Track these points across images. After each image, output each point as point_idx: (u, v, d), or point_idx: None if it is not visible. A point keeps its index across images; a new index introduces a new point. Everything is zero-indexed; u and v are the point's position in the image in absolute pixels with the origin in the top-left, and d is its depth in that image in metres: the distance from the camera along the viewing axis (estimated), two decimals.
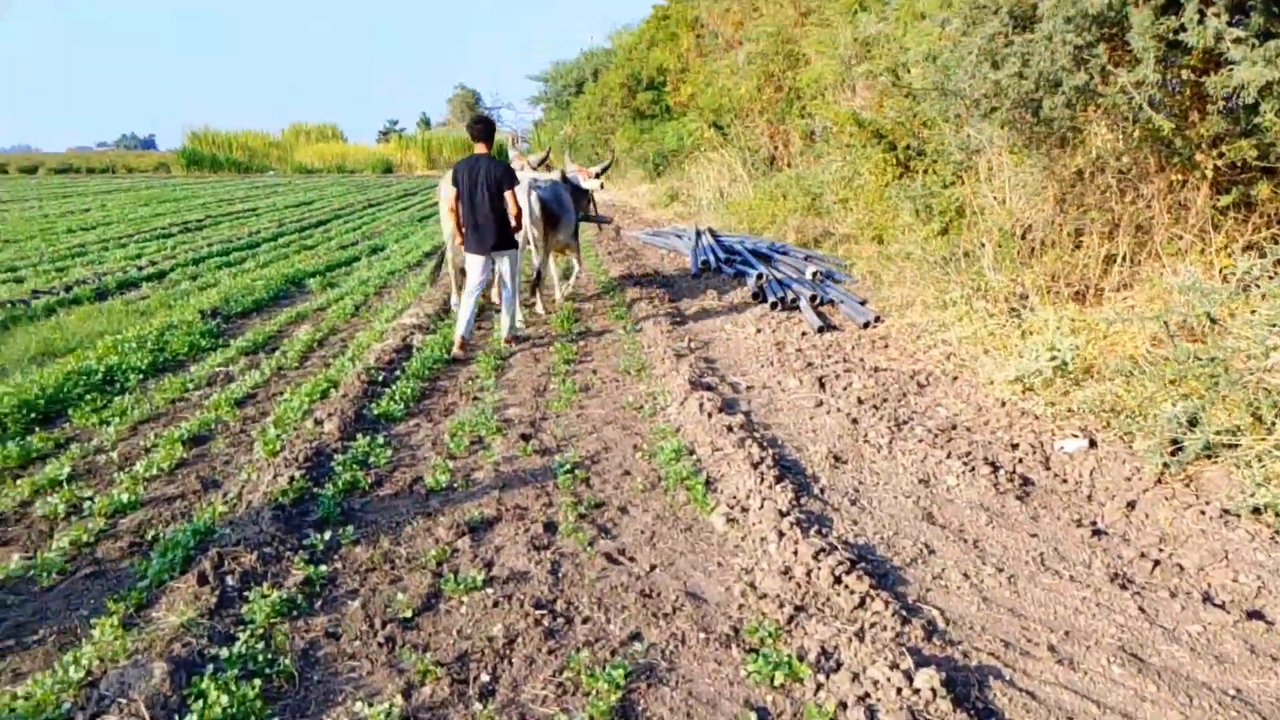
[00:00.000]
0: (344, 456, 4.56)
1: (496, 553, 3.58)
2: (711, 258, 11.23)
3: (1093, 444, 4.42)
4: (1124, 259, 6.74)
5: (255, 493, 4.07)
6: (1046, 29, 5.23)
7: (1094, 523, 3.70)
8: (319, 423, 5.06)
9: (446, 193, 7.08)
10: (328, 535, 3.68)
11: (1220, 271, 5.74)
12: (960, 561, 3.38)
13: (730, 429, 4.79)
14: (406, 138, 60.32)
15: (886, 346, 6.85)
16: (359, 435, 4.91)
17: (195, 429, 5.15)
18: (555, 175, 8.58)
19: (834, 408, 5.33)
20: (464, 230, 6.90)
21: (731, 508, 3.84)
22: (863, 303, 8.27)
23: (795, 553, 3.31)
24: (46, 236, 15.57)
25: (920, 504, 3.93)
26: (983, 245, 7.50)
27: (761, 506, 3.77)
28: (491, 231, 6.80)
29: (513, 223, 6.85)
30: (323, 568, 3.40)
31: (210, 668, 2.73)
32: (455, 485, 4.29)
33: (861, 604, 2.98)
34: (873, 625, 2.88)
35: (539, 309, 8.64)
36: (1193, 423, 4.03)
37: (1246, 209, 6.18)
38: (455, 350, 6.96)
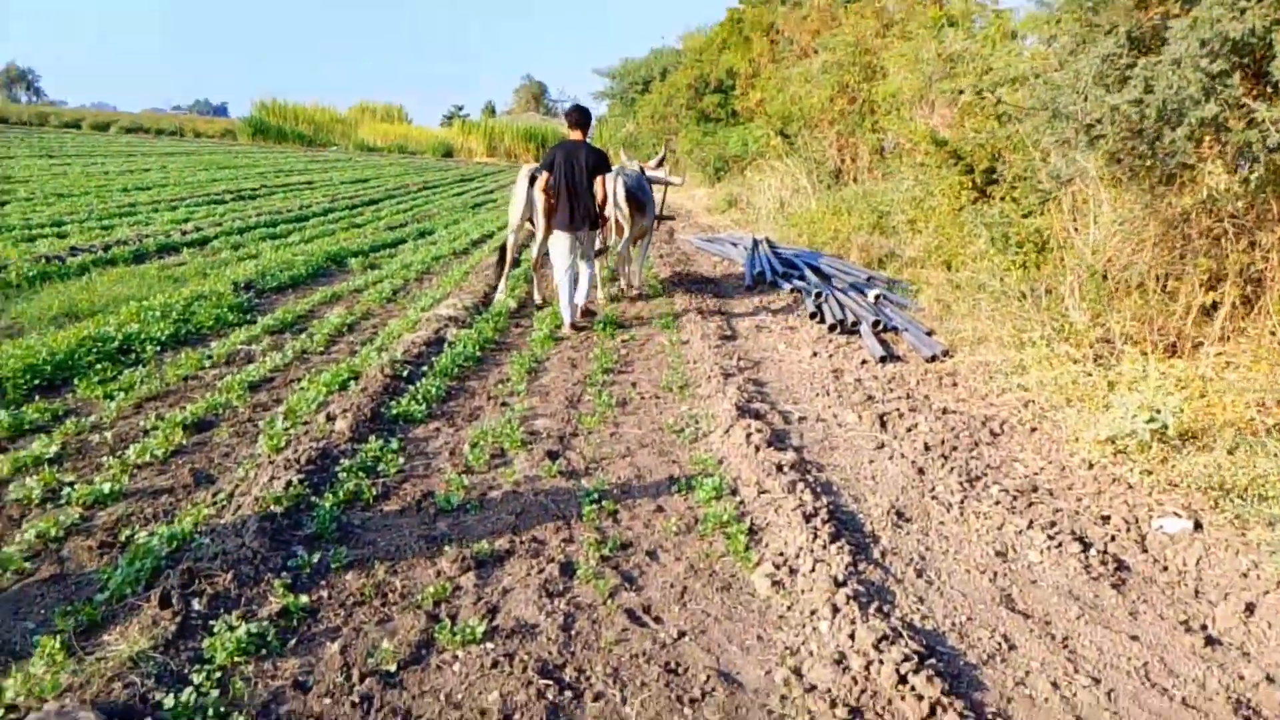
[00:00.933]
0: (351, 461, 4.13)
1: (503, 596, 3.11)
2: (768, 269, 10.69)
3: (1198, 526, 3.82)
4: (1229, 312, 6.08)
5: (247, 495, 3.65)
6: (1176, 52, 4.61)
7: (1204, 627, 3.11)
8: (331, 419, 4.64)
9: (522, 187, 7.63)
10: (317, 556, 3.25)
11: None
12: (1047, 664, 2.83)
13: (780, 468, 4.27)
14: (470, 123, 60.46)
15: (955, 385, 6.26)
16: (372, 437, 4.48)
17: (201, 412, 4.78)
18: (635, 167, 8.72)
19: (897, 452, 4.77)
20: (556, 208, 7.22)
21: (778, 567, 3.32)
22: (929, 333, 7.67)
23: (852, 636, 2.78)
24: (101, 194, 15.56)
25: (998, 583, 3.37)
26: (1069, 284, 6.86)
27: (813, 570, 3.25)
28: (582, 210, 7.21)
29: (598, 209, 7.33)
30: (304, 597, 2.96)
31: None
32: (468, 506, 3.84)
33: (932, 714, 2.45)
34: None
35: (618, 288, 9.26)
36: None
37: None
38: (566, 330, 7.46)
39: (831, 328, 7.98)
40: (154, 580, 3.00)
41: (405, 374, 5.66)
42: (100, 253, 9.32)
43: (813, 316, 8.48)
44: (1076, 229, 7.83)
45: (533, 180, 7.47)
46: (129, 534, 3.39)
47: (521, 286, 9.34)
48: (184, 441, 4.40)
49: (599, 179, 7.18)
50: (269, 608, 2.90)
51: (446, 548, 3.39)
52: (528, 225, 8.01)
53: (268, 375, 5.66)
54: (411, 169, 34.33)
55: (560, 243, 7.29)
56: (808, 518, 3.64)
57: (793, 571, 3.30)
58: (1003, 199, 9.77)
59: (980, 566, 3.50)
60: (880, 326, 7.94)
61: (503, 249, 8.69)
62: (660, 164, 9.01)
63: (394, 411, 4.93)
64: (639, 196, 8.31)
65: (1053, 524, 3.85)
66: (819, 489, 4.15)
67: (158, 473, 4.03)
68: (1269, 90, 4.76)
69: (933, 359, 6.97)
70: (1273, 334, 5.72)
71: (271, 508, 3.51)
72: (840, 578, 3.16)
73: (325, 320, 7.17)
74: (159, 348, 6.11)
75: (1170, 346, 6.24)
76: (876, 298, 9.07)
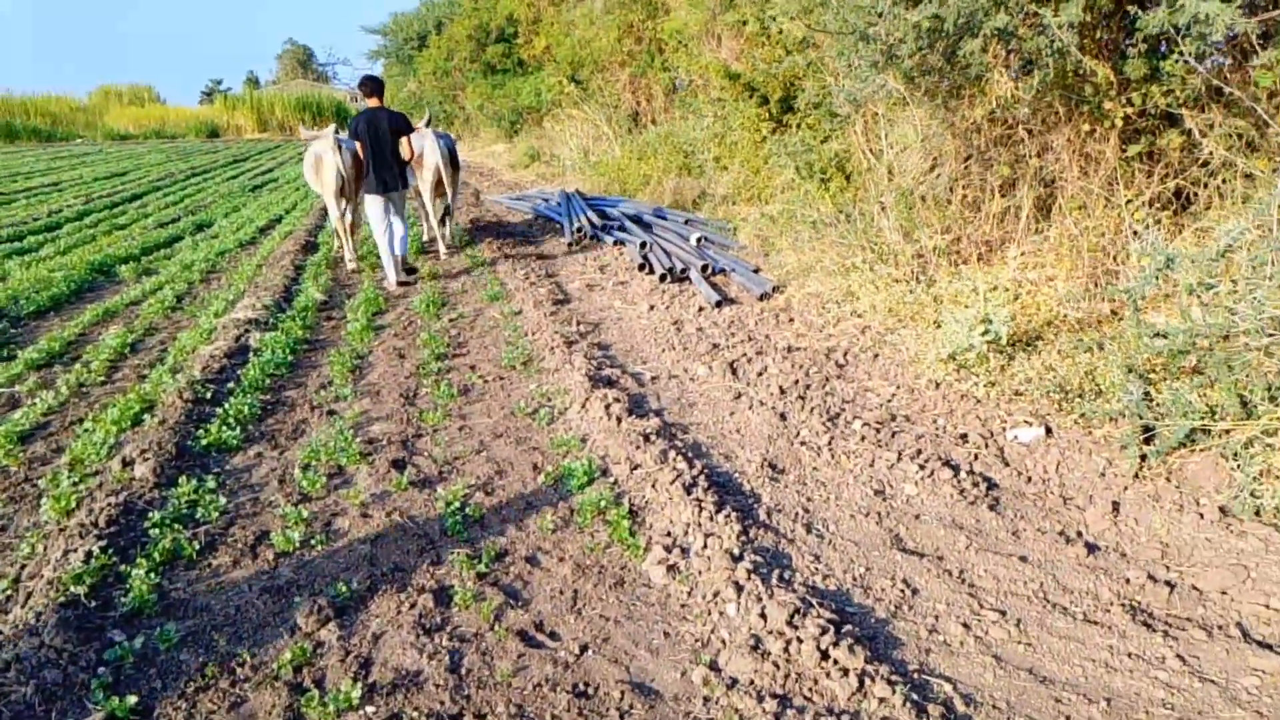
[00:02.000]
0: (161, 512, 3.53)
1: (375, 644, 2.73)
2: (586, 224, 10.41)
3: (1049, 431, 3.98)
4: (1028, 215, 6.45)
5: (38, 579, 3.03)
6: None
7: (1080, 534, 3.22)
8: (128, 464, 3.98)
9: (331, 160, 7.87)
10: (140, 640, 2.72)
11: (1131, 226, 5.49)
12: (953, 605, 2.81)
13: (647, 438, 4.07)
14: (233, 98, 55.65)
15: (792, 321, 6.30)
16: (182, 478, 3.87)
17: None
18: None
19: (754, 399, 4.70)
20: (366, 173, 7.71)
21: (668, 550, 3.13)
22: (756, 270, 7.71)
23: (763, 615, 2.64)
24: None
25: (884, 524, 3.35)
26: (880, 206, 7.05)
27: (705, 546, 3.09)
28: (392, 173, 7.73)
29: (404, 170, 7.93)
30: (131, 697, 2.45)
31: None
32: (313, 542, 3.38)
33: (860, 687, 2.35)
34: None
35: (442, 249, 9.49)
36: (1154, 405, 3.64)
37: (1150, 160, 5.94)
38: (390, 286, 7.99)
39: (662, 277, 7.86)
40: None
41: (209, 394, 4.98)
42: None
43: (641, 268, 8.33)
44: (871, 150, 8.07)
45: (341, 149, 7.87)
46: None
47: (326, 274, 8.59)
48: None
49: (403, 140, 7.69)
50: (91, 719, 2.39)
51: (296, 598, 2.95)
52: (339, 187, 8.04)
53: (40, 420, 4.81)
54: (175, 154, 31.13)
55: (375, 205, 7.77)
56: (688, 489, 3.47)
57: (684, 552, 3.12)
58: (798, 127, 9.97)
59: (863, 509, 3.47)
60: (709, 270, 7.90)
61: (334, 221, 8.73)
62: (429, 124, 8.85)
63: (204, 442, 4.30)
64: (455, 155, 8.89)
65: (919, 452, 3.89)
66: (690, 454, 3.99)
67: None
68: None
69: (764, 297, 7.00)
70: (1070, 234, 6.11)
71: (72, 589, 2.91)
72: (735, 551, 3.01)
73: (101, 344, 6.22)
74: None
75: (979, 256, 6.57)
76: (699, 240, 9.03)
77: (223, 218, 13.37)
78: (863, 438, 4.09)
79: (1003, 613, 2.74)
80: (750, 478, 3.79)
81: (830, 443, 4.06)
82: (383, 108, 7.72)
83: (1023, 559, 3.05)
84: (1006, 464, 3.81)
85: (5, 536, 3.51)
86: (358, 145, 7.64)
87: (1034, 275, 6.10)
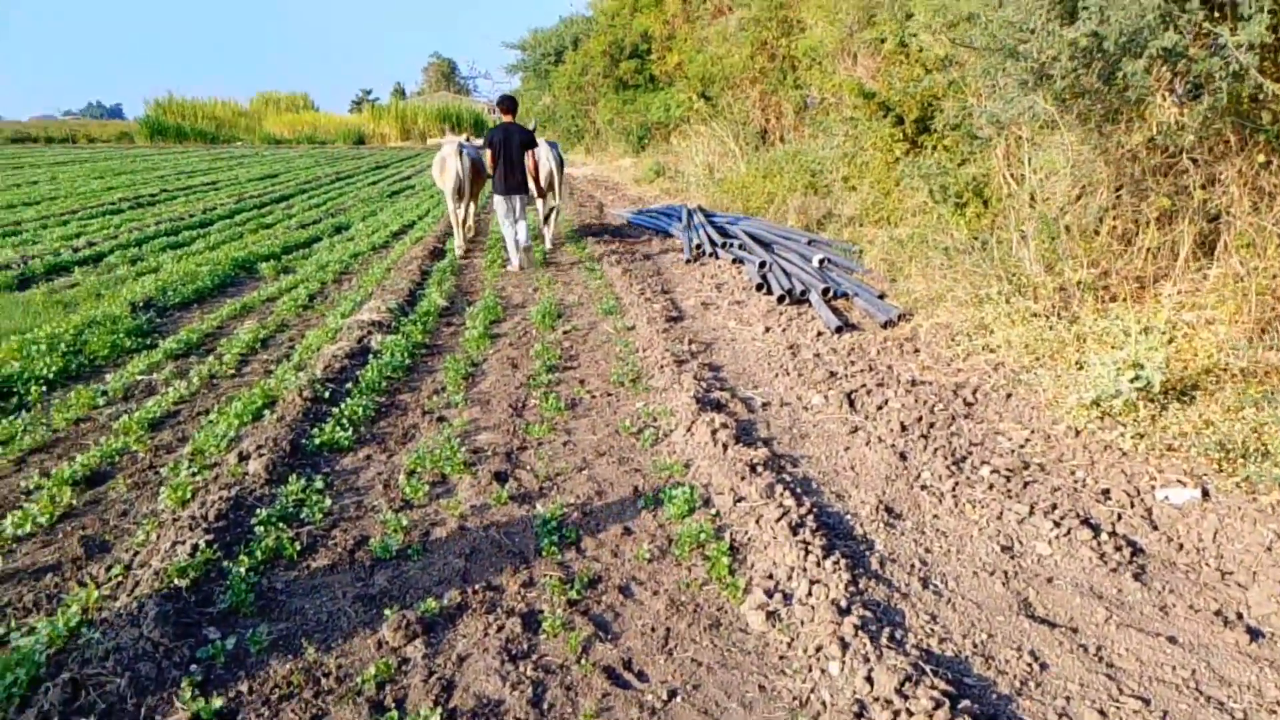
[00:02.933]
0: (269, 509, 3.60)
1: (459, 666, 2.65)
2: (706, 241, 10.28)
3: (1205, 494, 3.56)
4: (1190, 251, 5.90)
5: (147, 567, 3.11)
6: None
7: (1241, 616, 2.83)
8: (244, 458, 4.09)
9: (453, 163, 9.56)
10: (232, 641, 2.74)
11: None
12: (1088, 686, 2.50)
13: (753, 468, 3.88)
14: (380, 108, 58.61)
15: (917, 352, 5.96)
16: (292, 476, 3.94)
17: (95, 463, 4.17)
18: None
19: (872, 435, 4.43)
20: (496, 177, 9.04)
21: (769, 594, 2.94)
22: (881, 296, 7.37)
23: (870, 680, 2.41)
24: None
25: (1011, 586, 3.04)
26: (1021, 234, 6.61)
27: (810, 593, 2.87)
28: (516, 179, 9.06)
29: (529, 178, 9.33)
30: (218, 699, 2.46)
31: None
32: (409, 551, 3.35)
33: None
34: None
35: (548, 243, 10.73)
36: None
37: None
38: (515, 266, 9.46)
39: (780, 298, 7.63)
40: (31, 697, 2.46)
41: (327, 394, 5.10)
42: None
43: (759, 288, 8.12)
44: (1013, 176, 7.61)
45: (462, 152, 9.56)
46: (3, 633, 2.83)
47: (450, 280, 8.78)
48: (73, 502, 3.81)
49: (529, 153, 9.19)
50: (175, 718, 2.40)
51: (387, 610, 2.91)
52: (460, 186, 9.75)
53: (171, 409, 5.04)
54: (323, 159, 32.96)
55: (501, 205, 9.16)
56: (794, 528, 3.26)
57: (787, 598, 2.91)
58: (934, 149, 9.54)
59: (988, 566, 3.17)
60: (830, 294, 7.62)
61: (453, 217, 10.28)
62: (534, 130, 9.80)
63: (317, 441, 4.39)
64: (562, 161, 10.29)
65: (1054, 506, 3.55)
66: (798, 489, 3.78)
67: (41, 545, 3.45)
68: (1228, 16, 4.49)
69: (888, 324, 6.67)
70: (1236, 274, 5.54)
71: (175, 582, 2.98)
72: (842, 602, 2.79)
73: (235, 337, 6.52)
74: (46, 386, 5.42)
75: (1128, 294, 6.05)
76: (821, 262, 8.75)
77: (360, 221, 13.94)
78: (991, 486, 3.77)
79: (1145, 701, 2.42)
80: (863, 521, 3.54)
81: (954, 489, 3.76)
82: (515, 123, 9.09)
83: (1171, 640, 2.70)
84: (1155, 528, 3.42)
85: (126, 522, 3.64)
86: (481, 153, 9.18)
87: (1191, 317, 5.56)
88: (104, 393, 5.30)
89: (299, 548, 3.36)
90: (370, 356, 5.91)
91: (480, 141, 10.02)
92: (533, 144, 9.14)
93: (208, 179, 21.98)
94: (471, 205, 10.48)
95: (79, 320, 6.71)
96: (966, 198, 8.17)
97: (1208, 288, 5.68)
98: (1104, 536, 3.29)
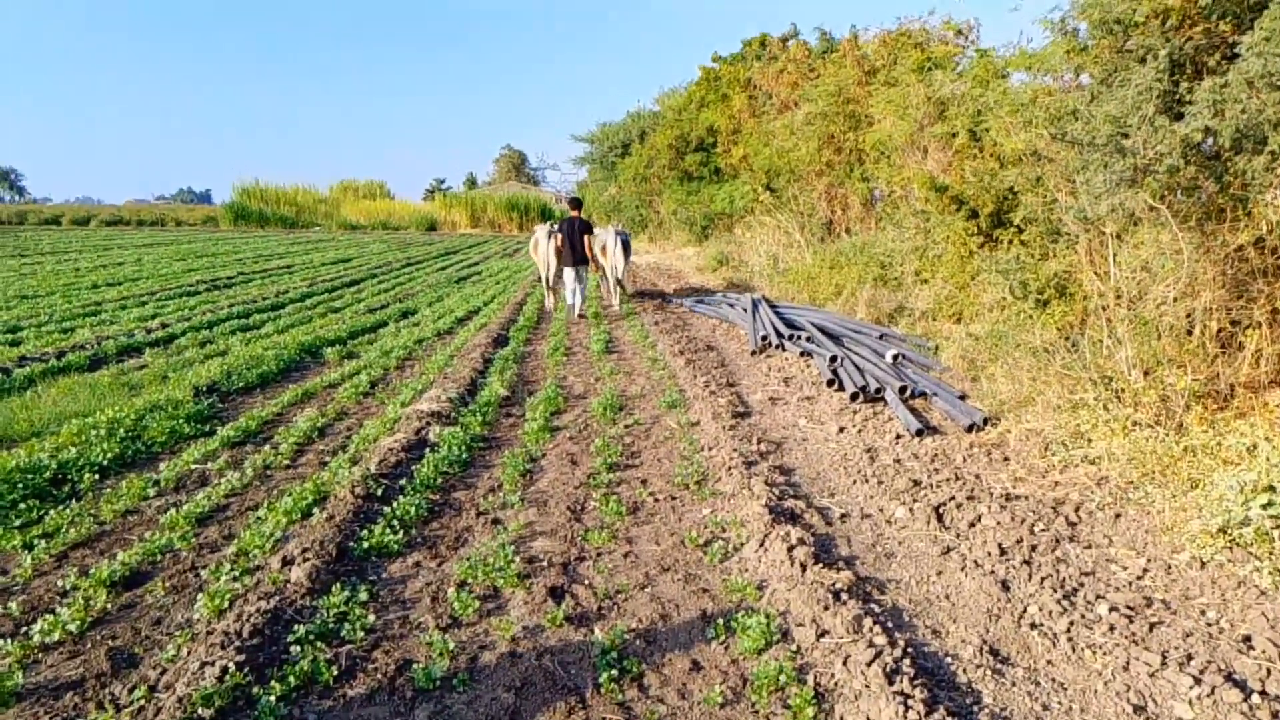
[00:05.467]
0: (308, 625, 3.32)
1: None
2: (772, 332, 10.00)
3: None
4: None
5: (171, 693, 2.85)
6: (1249, 69, 3.99)
7: None
8: (288, 563, 3.85)
9: (544, 244, 12.81)
10: None
11: None
12: None
13: (837, 595, 3.49)
14: (452, 195, 60.62)
15: (1007, 460, 5.51)
16: (336, 585, 3.68)
17: (135, 561, 3.99)
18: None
19: (968, 559, 4.00)
20: (563, 254, 12.64)
21: None
22: (962, 397, 6.95)
23: None
24: (67, 293, 14.87)
25: None
26: (1114, 337, 6.17)
27: None
28: (578, 255, 12.61)
29: (587, 255, 12.73)
30: None
31: None
32: (455, 681, 3.03)
33: None
34: None
35: (616, 306, 13.83)
36: None
37: None
38: (575, 316, 12.73)
39: (854, 396, 7.26)
40: None
41: (380, 491, 4.88)
42: (53, 360, 8.56)
43: (830, 384, 7.77)
44: (1098, 274, 7.20)
45: (550, 236, 12.77)
46: None
47: (512, 369, 8.63)
48: (107, 606, 3.60)
49: (587, 238, 12.66)
50: None
51: None
52: (550, 264, 12.89)
53: (221, 502, 4.87)
54: (394, 245, 33.93)
55: (569, 273, 12.71)
56: (889, 675, 2.85)
57: None
58: (1009, 243, 9.19)
59: None
60: (908, 392, 7.22)
61: (544, 282, 13.62)
62: (589, 224, 13.01)
63: (365, 545, 4.13)
64: (628, 245, 13.59)
65: (1189, 656, 3.07)
66: (889, 622, 3.37)
67: (68, 655, 3.23)
68: None
69: (972, 428, 6.24)
70: None
71: (199, 711, 2.70)
72: None
73: (293, 426, 6.40)
74: (99, 474, 5.33)
75: (1238, 406, 5.54)
76: (895, 358, 8.38)
77: (426, 307, 14.06)
78: (1111, 627, 3.30)
79: None
80: (966, 665, 3.11)
81: (1069, 628, 3.30)
82: (579, 217, 12.83)
83: None
84: None
85: (158, 632, 3.41)
86: (558, 236, 12.58)
87: None
88: (156, 482, 5.17)
89: (336, 671, 3.06)
90: (427, 450, 5.71)
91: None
92: (589, 230, 12.75)
93: (284, 262, 22.67)
94: (557, 274, 13.27)
95: (142, 404, 6.68)
96: (1048, 295, 7.79)
97: None
98: (1255, 699, 2.80)
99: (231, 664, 2.92)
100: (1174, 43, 5.01)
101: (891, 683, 2.80)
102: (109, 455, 5.55)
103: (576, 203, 13.19)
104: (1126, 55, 5.50)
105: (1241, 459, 4.42)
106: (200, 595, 3.59)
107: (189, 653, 3.13)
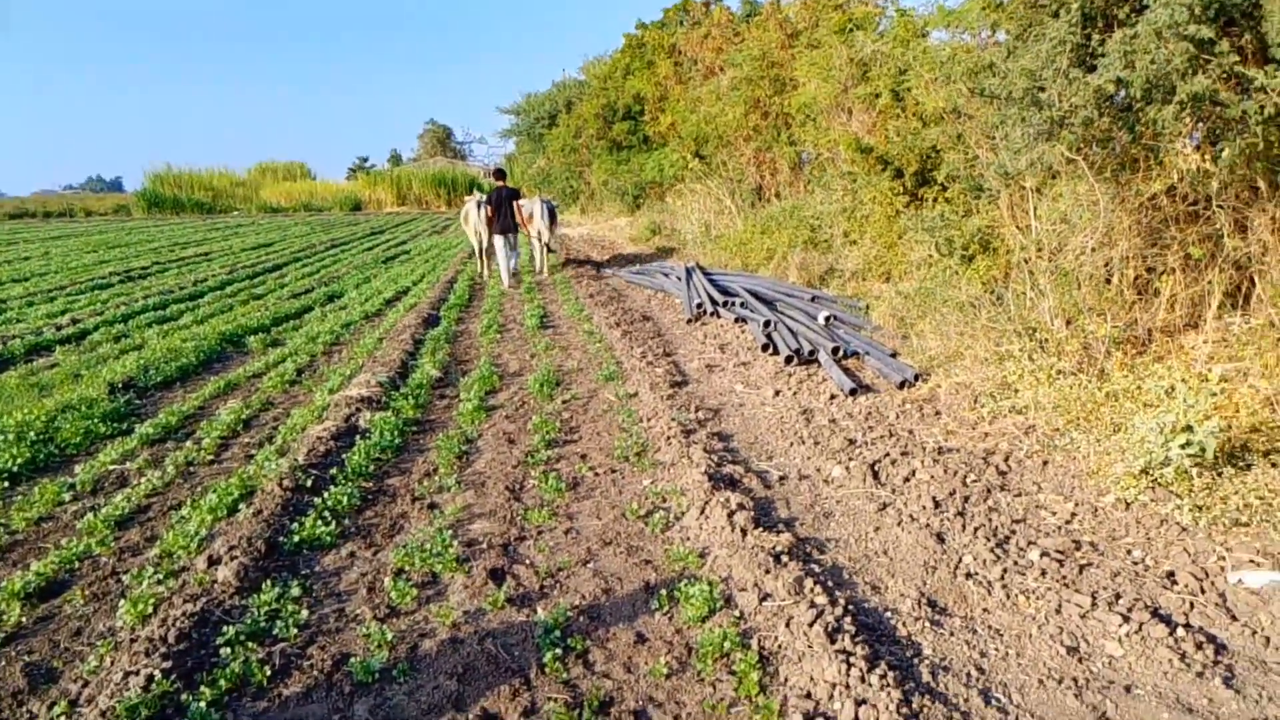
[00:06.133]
0: (238, 626, 3.20)
1: None
2: (706, 300, 10.01)
3: None
4: (1220, 302, 5.61)
5: (93, 706, 2.71)
6: (1157, 19, 4.06)
7: None
8: (214, 562, 3.70)
9: (475, 214, 13.45)
10: None
11: None
12: None
13: (777, 558, 3.50)
14: (376, 173, 59.05)
15: (939, 415, 5.61)
16: (266, 582, 3.55)
17: (51, 571, 3.79)
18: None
19: (903, 513, 4.06)
20: (495, 224, 13.12)
21: (809, 718, 2.54)
22: (894, 355, 7.05)
23: None
24: None
25: (1085, 698, 2.64)
26: (1037, 289, 6.32)
27: (856, 717, 2.48)
28: (507, 223, 13.12)
29: (517, 221, 13.32)
30: None
31: None
32: (394, 672, 2.95)
33: None
34: None
35: (543, 273, 14.49)
36: None
37: None
38: (506, 286, 13.32)
39: (788, 359, 7.31)
40: None
41: (309, 482, 4.72)
42: None
43: (764, 348, 7.81)
44: (1019, 227, 7.35)
45: (479, 207, 13.32)
46: None
47: (444, 349, 8.46)
48: (22, 620, 3.42)
49: (515, 204, 13.23)
50: None
51: None
52: (481, 234, 13.54)
53: (142, 503, 4.67)
54: (318, 226, 32.97)
55: (499, 240, 13.21)
56: (831, 634, 2.87)
57: None
58: (934, 201, 9.34)
59: (1055, 673, 2.77)
60: (840, 353, 7.30)
61: (476, 252, 14.53)
62: (519, 194, 13.69)
63: (296, 539, 4.00)
64: (554, 213, 14.41)
65: (1117, 596, 3.17)
66: (830, 581, 3.40)
67: None
68: (1261, 57, 4.26)
69: (904, 385, 6.33)
70: (1272, 325, 5.23)
71: None
72: None
73: (216, 419, 6.16)
74: (8, 482, 5.05)
75: (1155, 350, 5.73)
76: (828, 319, 8.46)
77: (353, 289, 13.70)
78: (1043, 572, 3.39)
79: None
80: (906, 619, 3.15)
81: (1003, 576, 3.37)
82: (506, 186, 13.40)
83: None
84: (1234, 618, 3.04)
85: (79, 643, 3.25)
86: (488, 208, 13.08)
87: (1223, 370, 5.23)
88: (71, 486, 4.93)
89: (270, 671, 2.95)
90: (358, 437, 5.56)
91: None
92: (517, 196, 13.37)
93: (201, 249, 21.84)
94: (486, 242, 13.87)
95: (53, 405, 6.36)
96: (973, 250, 7.93)
97: (1240, 339, 5.37)
98: (1180, 632, 2.90)
99: (158, 671, 2.80)
100: None
101: (834, 641, 2.82)
102: (19, 461, 5.26)
103: (501, 174, 14.02)
104: (1040, 10, 5.57)
105: (1160, 401, 4.57)
106: (122, 602, 3.42)
107: (112, 663, 2.99)
